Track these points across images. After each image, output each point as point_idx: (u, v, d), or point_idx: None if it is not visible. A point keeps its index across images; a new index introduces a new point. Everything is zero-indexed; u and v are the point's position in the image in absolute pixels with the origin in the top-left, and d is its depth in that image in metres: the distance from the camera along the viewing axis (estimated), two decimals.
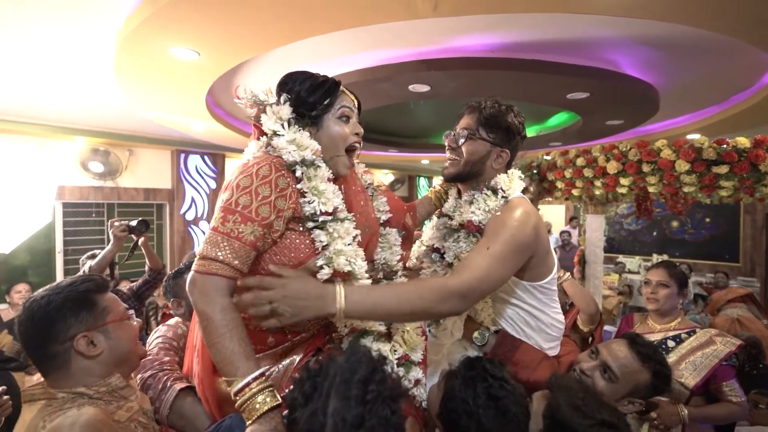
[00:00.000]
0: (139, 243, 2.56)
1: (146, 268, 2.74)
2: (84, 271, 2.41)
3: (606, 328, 2.88)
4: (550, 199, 3.50)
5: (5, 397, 1.36)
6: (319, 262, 0.95)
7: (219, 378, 0.96)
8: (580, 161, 2.85)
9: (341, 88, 1.06)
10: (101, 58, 2.49)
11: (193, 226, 5.62)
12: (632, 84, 2.96)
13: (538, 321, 1.23)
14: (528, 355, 1.20)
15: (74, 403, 0.85)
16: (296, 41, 2.22)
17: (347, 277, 0.96)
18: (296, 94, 1.00)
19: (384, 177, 8.81)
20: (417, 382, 1.06)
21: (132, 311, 1.03)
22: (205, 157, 5.71)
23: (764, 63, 2.62)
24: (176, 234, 5.45)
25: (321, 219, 0.95)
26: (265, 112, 0.99)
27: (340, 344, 1.05)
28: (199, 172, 5.68)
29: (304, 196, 0.95)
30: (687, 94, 3.38)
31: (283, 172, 0.94)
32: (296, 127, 0.99)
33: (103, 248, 2.45)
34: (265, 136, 1.00)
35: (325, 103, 1.01)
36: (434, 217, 1.45)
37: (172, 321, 1.41)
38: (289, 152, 0.95)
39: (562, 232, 6.93)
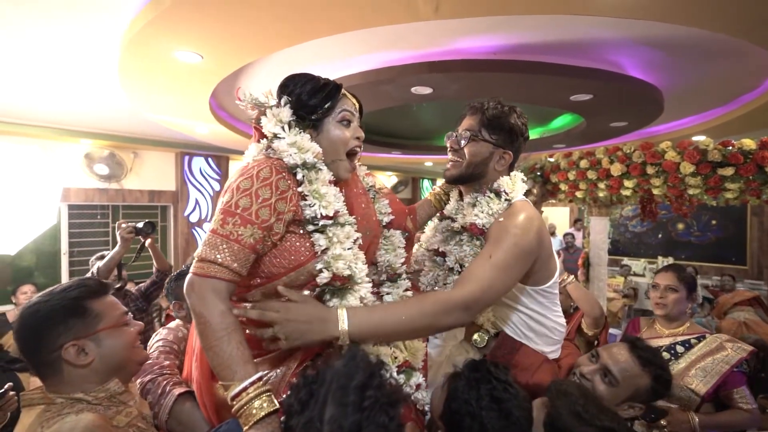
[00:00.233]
0: (146, 244, 2.59)
1: (154, 269, 2.79)
2: (92, 272, 2.43)
3: (611, 331, 2.86)
4: (554, 201, 3.48)
5: (11, 393, 1.36)
6: (319, 266, 0.94)
7: (217, 383, 0.95)
8: (583, 163, 2.84)
9: (342, 91, 1.05)
10: (106, 61, 2.51)
11: (197, 228, 5.64)
12: (636, 85, 2.95)
13: (539, 325, 1.23)
14: (528, 357, 1.20)
15: (73, 409, 0.84)
16: (298, 43, 2.22)
17: (347, 281, 0.95)
18: (297, 97, 1.00)
19: (387, 179, 8.81)
20: (418, 386, 1.05)
21: (130, 315, 1.00)
22: (209, 160, 5.74)
23: None
24: (180, 236, 5.48)
25: (321, 223, 0.95)
26: (265, 114, 0.98)
27: (341, 349, 1.05)
28: (203, 174, 5.71)
29: (305, 199, 0.95)
30: (692, 96, 3.36)
31: (283, 174, 0.94)
32: (297, 129, 0.98)
33: (109, 250, 2.48)
34: (265, 139, 1.00)
35: (326, 106, 1.00)
36: (435, 220, 1.44)
37: (172, 324, 1.41)
38: (290, 155, 0.95)
39: (565, 234, 6.90)
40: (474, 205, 1.22)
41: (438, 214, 1.43)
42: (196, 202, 5.64)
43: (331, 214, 0.95)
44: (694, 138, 3.73)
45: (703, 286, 5.88)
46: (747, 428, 1.63)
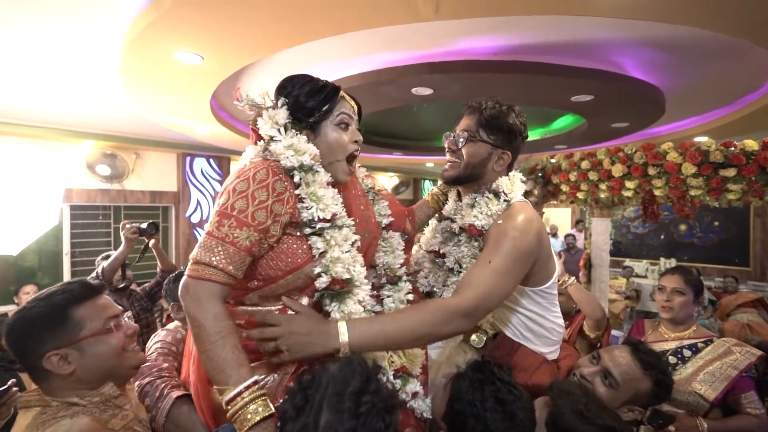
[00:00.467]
0: (150, 245, 2.63)
1: (158, 270, 2.82)
2: (97, 272, 2.46)
3: (613, 333, 2.84)
4: (555, 202, 3.47)
5: (14, 389, 1.36)
6: (317, 270, 0.93)
7: (214, 387, 0.93)
8: (584, 164, 2.83)
9: (341, 93, 1.03)
10: (108, 63, 2.51)
11: (198, 228, 5.65)
12: (637, 86, 2.94)
13: (538, 325, 1.22)
14: (526, 358, 1.19)
15: (68, 412, 0.84)
16: (299, 44, 2.22)
17: (346, 285, 0.95)
18: (294, 99, 0.98)
19: (389, 180, 8.81)
20: (415, 395, 1.03)
21: (124, 317, 0.99)
22: (211, 160, 5.75)
23: None
24: (182, 236, 5.49)
25: (319, 226, 0.94)
26: (262, 116, 0.97)
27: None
28: (205, 175, 5.72)
29: (302, 202, 0.94)
30: (693, 97, 3.35)
31: (280, 176, 0.93)
32: (293, 131, 0.97)
33: (110, 250, 2.51)
34: (262, 141, 0.99)
35: (324, 109, 0.99)
36: (434, 221, 1.43)
37: (171, 325, 1.41)
38: (287, 157, 0.94)
39: (566, 236, 6.88)
40: (473, 206, 1.21)
41: (437, 215, 1.42)
42: (198, 202, 5.65)
43: (328, 217, 0.94)
44: (696, 139, 3.73)
45: (706, 287, 5.85)
46: None
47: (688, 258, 7.10)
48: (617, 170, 2.62)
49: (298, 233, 0.95)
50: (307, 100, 0.98)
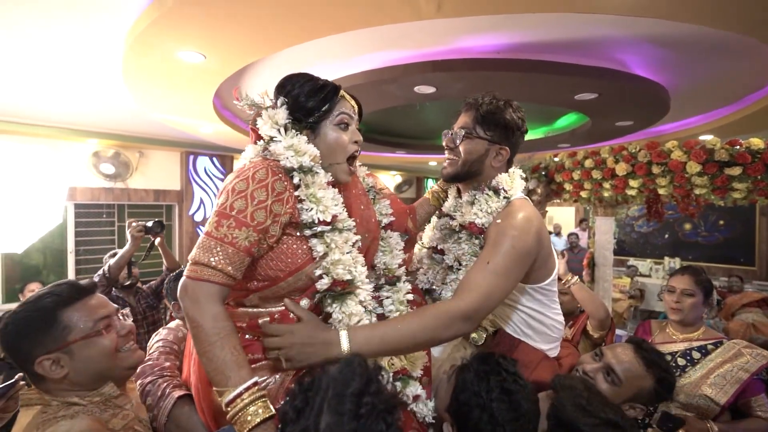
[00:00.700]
0: (156, 243, 2.66)
1: (164, 268, 2.85)
2: (104, 270, 2.48)
3: (618, 332, 2.83)
4: (559, 201, 3.46)
5: (22, 383, 1.37)
6: (318, 272, 0.93)
7: (214, 389, 0.92)
8: (588, 163, 2.81)
9: (341, 93, 1.02)
10: (112, 62, 2.52)
11: (201, 227, 5.67)
12: (642, 84, 2.91)
13: (538, 322, 1.22)
14: (527, 355, 1.19)
15: (68, 411, 0.84)
16: (301, 43, 2.22)
17: (347, 286, 0.94)
18: (294, 98, 0.98)
19: (391, 179, 8.81)
20: (416, 398, 1.02)
21: (119, 316, 0.97)
22: (214, 159, 5.77)
23: None
24: (185, 235, 5.51)
25: (319, 228, 0.93)
26: (261, 115, 0.97)
27: None
28: (208, 173, 5.74)
29: (302, 203, 0.93)
30: (699, 95, 3.32)
31: (280, 175, 0.92)
32: (293, 132, 0.96)
33: (114, 248, 2.54)
34: (262, 140, 0.98)
35: (324, 109, 0.98)
36: (434, 218, 1.43)
37: (173, 324, 1.41)
38: (287, 158, 0.93)
39: (569, 234, 6.85)
40: (472, 204, 1.20)
41: (437, 212, 1.42)
42: (201, 201, 5.67)
43: (328, 219, 0.93)
44: (701, 137, 3.70)
45: None
46: None
47: (693, 257, 7.05)
48: (621, 169, 2.60)
49: (298, 234, 0.95)
50: (306, 100, 0.97)
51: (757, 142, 2.22)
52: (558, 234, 8.07)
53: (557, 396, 0.95)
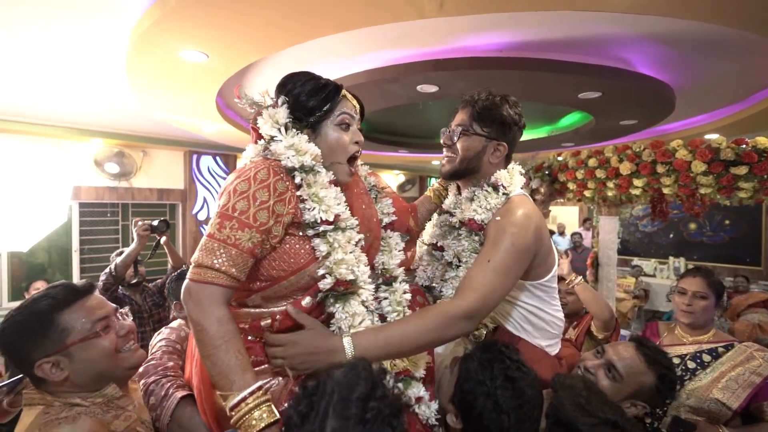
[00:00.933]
0: (162, 242, 2.69)
1: (169, 266, 2.88)
2: (111, 268, 2.51)
3: (622, 332, 2.81)
4: (562, 200, 3.44)
5: (27, 380, 1.37)
6: (321, 272, 0.93)
7: (217, 393, 0.92)
8: (592, 162, 2.80)
9: (343, 92, 1.02)
10: (116, 62, 2.53)
11: (204, 226, 5.69)
12: (646, 83, 2.89)
13: (538, 318, 1.22)
14: (527, 351, 1.18)
15: (70, 412, 0.83)
16: (303, 42, 2.22)
17: (350, 285, 0.94)
18: (295, 98, 0.97)
19: (395, 178, 8.80)
20: (418, 399, 1.01)
21: (117, 316, 0.97)
22: (217, 158, 5.78)
23: None
24: (188, 234, 5.53)
25: (322, 228, 0.92)
26: (261, 114, 0.96)
27: None
28: (211, 172, 5.75)
29: (304, 203, 0.93)
30: (704, 93, 3.29)
31: (281, 175, 0.92)
32: (294, 131, 0.95)
33: (118, 247, 2.56)
34: (263, 140, 0.97)
35: (325, 108, 0.97)
36: (435, 215, 1.43)
37: (175, 323, 1.41)
38: (288, 158, 0.93)
39: (573, 234, 6.82)
40: (472, 200, 1.20)
41: (438, 210, 1.42)
42: (204, 200, 5.69)
43: (331, 219, 0.93)
44: (707, 136, 3.67)
45: None
46: None
47: (698, 257, 6.99)
48: (625, 168, 2.58)
49: (301, 233, 0.94)
50: (307, 99, 0.97)
51: (763, 141, 2.20)
52: (561, 233, 8.04)
53: (556, 395, 0.96)
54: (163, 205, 5.46)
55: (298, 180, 0.93)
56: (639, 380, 1.14)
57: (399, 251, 1.18)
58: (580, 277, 1.98)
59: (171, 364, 1.19)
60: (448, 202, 1.32)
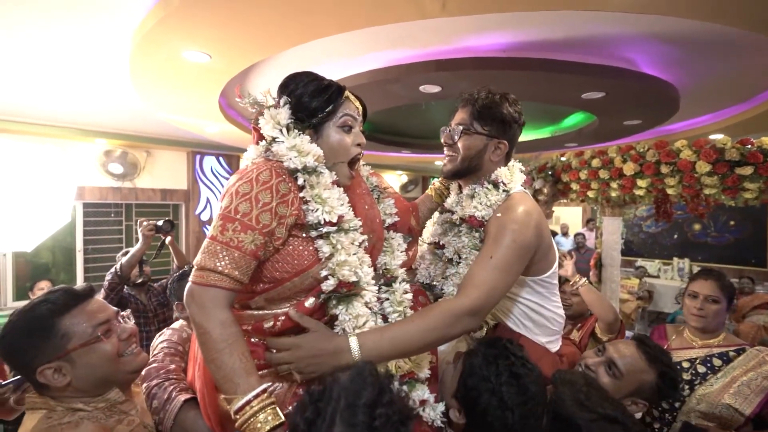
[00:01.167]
0: (167, 242, 2.70)
1: (174, 266, 2.89)
2: (116, 268, 2.52)
3: (627, 334, 2.80)
4: (565, 200, 3.42)
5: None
6: (324, 273, 0.92)
7: (221, 396, 0.91)
8: (595, 162, 2.78)
9: (346, 93, 1.01)
10: (119, 62, 2.54)
11: (207, 226, 5.70)
12: (650, 83, 2.87)
13: (538, 315, 1.22)
14: (527, 349, 1.18)
15: (73, 417, 0.83)
16: (306, 42, 2.22)
17: (353, 287, 0.94)
18: (298, 98, 0.96)
19: (397, 178, 8.79)
20: (423, 402, 1.00)
21: (119, 319, 0.96)
22: (220, 159, 5.80)
23: None
24: (192, 234, 5.55)
25: (325, 230, 0.92)
26: (263, 115, 0.95)
27: None
28: (214, 173, 5.77)
29: (307, 204, 0.92)
30: (709, 93, 3.26)
31: (284, 177, 0.91)
32: (296, 131, 0.95)
33: (122, 247, 2.57)
34: (264, 140, 0.97)
35: (327, 110, 0.97)
36: (436, 213, 1.43)
37: (177, 324, 1.41)
38: (290, 159, 0.92)
39: (576, 235, 6.79)
40: (472, 197, 1.20)
41: (439, 208, 1.42)
42: (207, 200, 5.70)
43: (334, 220, 0.92)
44: (711, 136, 3.64)
45: None
46: None
47: (702, 258, 6.95)
48: (629, 168, 2.57)
49: (304, 235, 0.94)
50: (310, 100, 0.96)
51: None
52: (565, 234, 8.01)
53: (557, 391, 0.96)
54: (167, 206, 5.48)
55: (300, 181, 0.92)
56: (639, 378, 1.14)
57: (401, 252, 1.18)
58: (584, 279, 1.96)
59: (173, 366, 1.19)
60: (451, 201, 1.32)
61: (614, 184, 2.71)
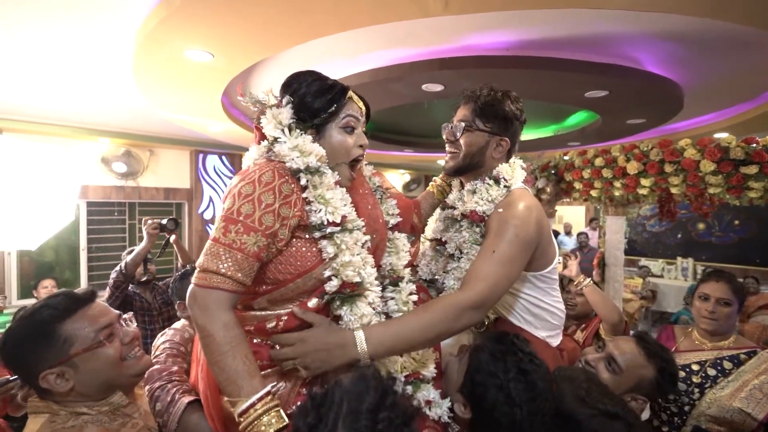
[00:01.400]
0: (171, 240, 2.71)
1: (179, 264, 2.91)
2: (121, 267, 2.53)
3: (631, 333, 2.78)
4: (568, 200, 3.41)
5: None
6: (327, 273, 0.92)
7: (225, 399, 0.90)
8: (598, 161, 2.77)
9: (349, 93, 1.00)
10: (123, 61, 2.55)
11: (210, 225, 5.72)
12: (654, 81, 2.85)
13: (539, 309, 1.23)
14: None
15: (76, 421, 0.83)
16: (308, 41, 2.22)
17: (356, 288, 0.93)
18: (300, 98, 0.96)
19: (400, 177, 8.79)
20: (428, 403, 0.99)
21: (121, 323, 0.95)
22: (223, 158, 5.81)
23: None
24: (194, 233, 5.56)
25: (329, 230, 0.91)
26: (265, 114, 0.95)
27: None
28: (217, 172, 5.78)
29: (310, 204, 0.92)
30: (713, 91, 3.24)
31: (286, 177, 0.90)
32: (298, 131, 0.94)
33: (125, 246, 2.58)
34: (266, 140, 0.96)
35: (330, 110, 0.96)
36: (438, 210, 1.43)
37: (178, 324, 1.40)
38: (293, 159, 0.91)
39: (579, 234, 6.77)
40: (474, 193, 1.21)
41: (441, 205, 1.42)
42: (210, 199, 5.72)
43: (338, 221, 0.91)
44: (716, 135, 3.61)
45: None
46: None
47: (707, 257, 6.90)
48: (632, 168, 2.55)
49: (307, 236, 0.93)
50: (313, 101, 0.95)
51: None
52: (568, 233, 7.98)
53: (557, 387, 0.96)
54: (170, 204, 5.49)
55: (303, 182, 0.92)
56: (639, 374, 1.15)
57: (406, 252, 1.17)
58: (588, 279, 1.95)
59: (176, 368, 1.18)
60: (452, 197, 1.32)
61: (617, 183, 2.70)
